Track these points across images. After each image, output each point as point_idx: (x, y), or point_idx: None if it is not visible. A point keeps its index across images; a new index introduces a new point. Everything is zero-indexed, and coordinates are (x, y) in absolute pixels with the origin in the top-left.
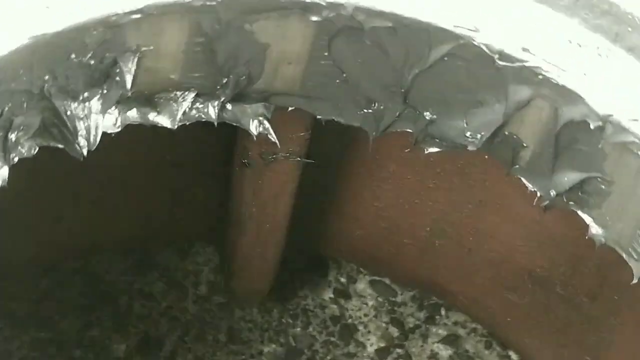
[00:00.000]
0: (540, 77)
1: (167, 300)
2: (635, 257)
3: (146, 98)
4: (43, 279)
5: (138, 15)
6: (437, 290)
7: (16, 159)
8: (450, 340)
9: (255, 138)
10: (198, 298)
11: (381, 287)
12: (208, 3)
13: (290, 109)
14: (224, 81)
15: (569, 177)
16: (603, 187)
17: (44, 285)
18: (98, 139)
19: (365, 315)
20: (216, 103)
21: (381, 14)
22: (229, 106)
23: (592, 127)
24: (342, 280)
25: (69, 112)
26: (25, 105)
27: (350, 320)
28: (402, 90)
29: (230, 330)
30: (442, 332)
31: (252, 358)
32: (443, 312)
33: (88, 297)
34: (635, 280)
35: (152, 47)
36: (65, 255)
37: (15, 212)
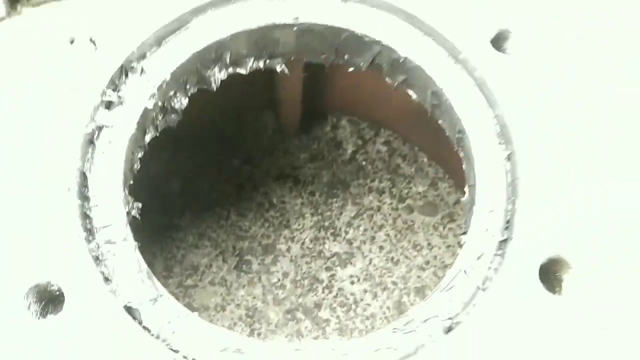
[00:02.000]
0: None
1: (254, 135)
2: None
3: (237, 62)
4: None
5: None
6: (378, 121)
7: (191, 92)
8: (386, 143)
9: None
10: (270, 133)
11: (353, 123)
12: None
13: (292, 58)
14: (263, 52)
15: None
16: (409, 65)
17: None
18: (219, 82)
19: (346, 135)
20: (261, 61)
21: (331, 27)
22: (267, 62)
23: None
24: (334, 120)
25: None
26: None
27: (338, 139)
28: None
29: (284, 145)
30: (382, 140)
31: (295, 157)
32: (382, 131)
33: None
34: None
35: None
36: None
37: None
